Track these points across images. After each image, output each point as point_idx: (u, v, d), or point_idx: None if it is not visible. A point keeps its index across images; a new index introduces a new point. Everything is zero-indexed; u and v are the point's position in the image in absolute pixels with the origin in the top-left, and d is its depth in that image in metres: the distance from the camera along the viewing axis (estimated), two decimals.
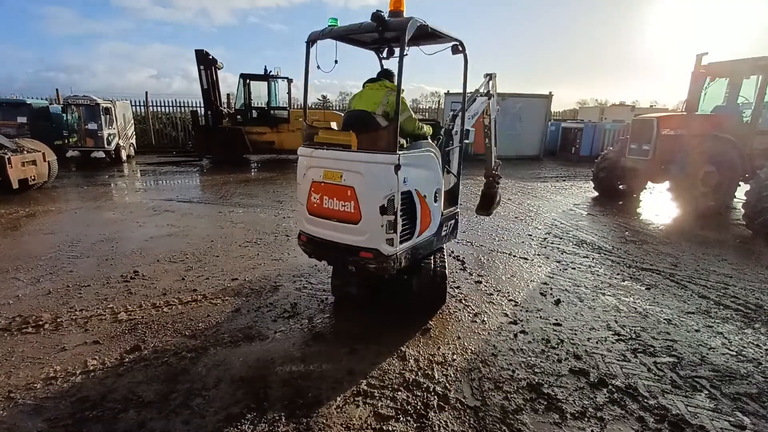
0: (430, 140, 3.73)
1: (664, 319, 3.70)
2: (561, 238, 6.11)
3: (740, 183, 8.11)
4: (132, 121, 15.78)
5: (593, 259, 5.26)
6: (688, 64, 9.45)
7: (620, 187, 9.49)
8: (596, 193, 9.61)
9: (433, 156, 3.60)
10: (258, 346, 3.13)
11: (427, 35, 3.60)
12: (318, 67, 3.80)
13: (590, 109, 26.99)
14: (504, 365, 2.95)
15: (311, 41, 3.55)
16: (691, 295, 4.22)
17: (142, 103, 17.79)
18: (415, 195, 3.35)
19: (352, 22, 3.46)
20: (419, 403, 2.53)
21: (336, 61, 3.83)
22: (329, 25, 3.46)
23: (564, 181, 11.80)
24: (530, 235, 6.23)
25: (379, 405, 2.50)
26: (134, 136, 15.88)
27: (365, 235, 3.23)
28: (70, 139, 12.81)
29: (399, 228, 3.20)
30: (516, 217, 7.30)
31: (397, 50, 4.15)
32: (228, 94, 17.16)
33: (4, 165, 7.59)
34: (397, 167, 3.08)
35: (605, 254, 5.44)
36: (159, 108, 18.39)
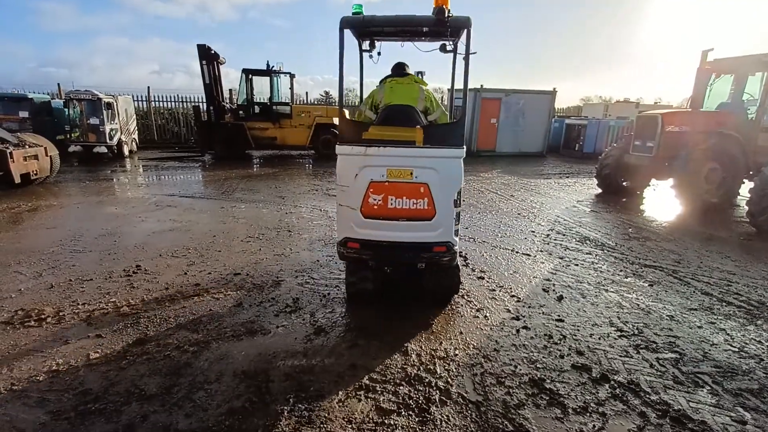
0: None
1: (667, 316, 3.69)
2: (564, 235, 6.09)
3: (744, 180, 8.06)
4: (134, 117, 15.79)
5: (596, 255, 5.24)
6: (693, 61, 9.38)
7: (623, 184, 9.45)
8: (599, 190, 9.58)
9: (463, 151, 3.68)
10: (260, 340, 3.13)
11: (439, 33, 3.64)
12: (370, 56, 4.02)
13: (594, 106, 26.86)
14: (506, 360, 2.95)
15: (345, 26, 3.30)
16: (694, 292, 4.20)
17: (144, 99, 17.79)
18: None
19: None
20: (421, 398, 2.52)
21: (379, 53, 4.00)
22: (354, 12, 3.28)
23: (567, 177, 11.76)
24: (533, 232, 6.22)
25: (381, 399, 2.51)
26: (136, 132, 15.90)
27: (439, 230, 3.32)
28: (72, 134, 12.81)
29: (460, 219, 3.39)
30: (519, 214, 7.28)
31: (417, 44, 4.10)
32: (230, 90, 17.14)
33: (6, 159, 7.59)
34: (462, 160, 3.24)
35: (608, 251, 5.43)
36: (161, 103, 18.38)
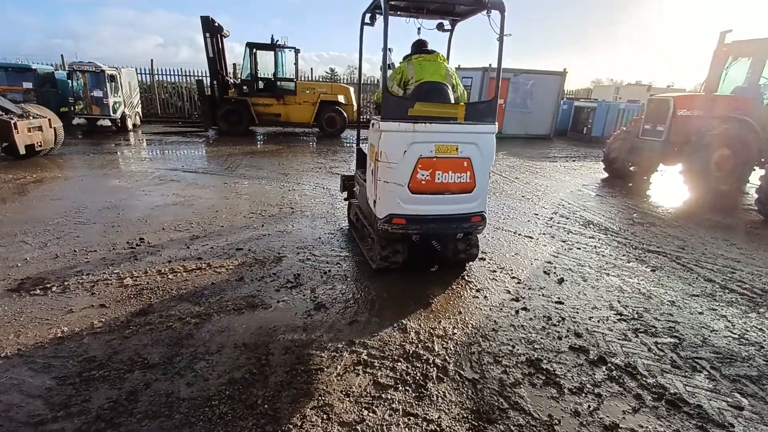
0: None
1: (668, 301, 3.69)
2: (567, 218, 6.05)
3: (755, 167, 7.93)
4: (137, 90, 15.66)
5: (599, 239, 5.21)
6: (709, 46, 9.11)
7: (631, 168, 9.32)
8: (606, 174, 9.47)
9: None
10: (261, 314, 3.16)
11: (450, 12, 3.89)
12: (418, 30, 4.04)
13: (605, 88, 26.36)
14: (504, 340, 2.96)
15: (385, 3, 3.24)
16: (697, 278, 4.19)
17: (147, 72, 17.60)
18: None
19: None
20: (418, 374, 2.55)
21: (419, 29, 4.07)
22: None
23: (574, 161, 11.63)
24: (536, 215, 6.18)
25: (379, 374, 2.54)
26: (140, 105, 15.79)
27: (476, 201, 3.63)
28: (76, 107, 12.74)
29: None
30: (523, 196, 7.23)
31: (423, 23, 4.20)
32: (234, 64, 16.89)
33: (10, 130, 7.57)
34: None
35: (611, 235, 5.39)
36: (165, 77, 18.20)
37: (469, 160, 3.45)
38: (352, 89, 14.73)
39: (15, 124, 7.64)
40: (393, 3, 3.66)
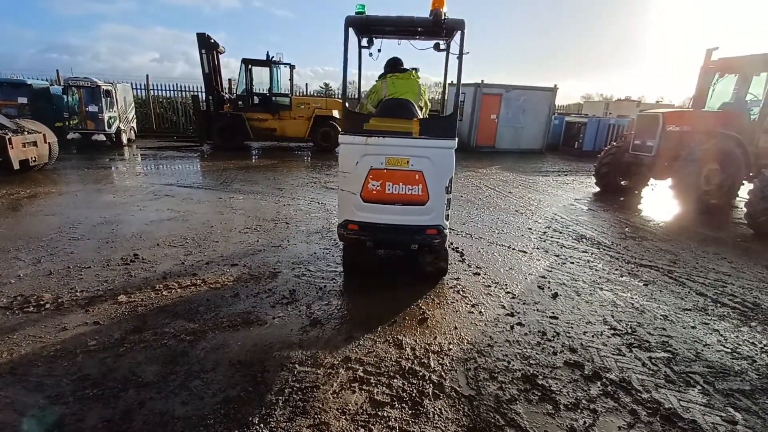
0: None
1: (661, 315, 3.72)
2: (560, 233, 6.11)
3: (744, 182, 8.08)
4: (133, 105, 15.70)
5: (592, 254, 5.27)
6: (697, 61, 9.34)
7: (622, 183, 9.46)
8: (597, 189, 9.59)
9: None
10: (256, 331, 3.15)
11: (434, 33, 3.94)
12: (370, 54, 4.27)
13: (595, 104, 26.78)
14: (500, 356, 2.97)
15: (350, 25, 3.58)
16: (689, 292, 4.24)
17: (143, 87, 17.68)
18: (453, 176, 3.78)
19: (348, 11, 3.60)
20: (414, 391, 2.55)
21: (379, 50, 4.22)
22: (357, 12, 3.55)
23: (566, 175, 11.77)
24: (530, 229, 6.24)
25: (375, 392, 2.53)
26: (135, 120, 15.81)
27: (431, 214, 3.65)
28: (71, 121, 12.75)
29: (450, 205, 3.68)
30: (516, 211, 7.29)
31: (412, 43, 4.41)
32: (229, 79, 17.02)
33: (5, 145, 7.56)
34: (455, 151, 3.52)
35: (604, 249, 5.45)
36: (160, 92, 18.27)
37: (421, 173, 3.52)
38: (348, 104, 14.86)
39: (9, 139, 7.64)
40: (355, 28, 3.88)
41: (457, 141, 3.58)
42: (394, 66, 4.18)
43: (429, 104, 4.12)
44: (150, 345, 2.90)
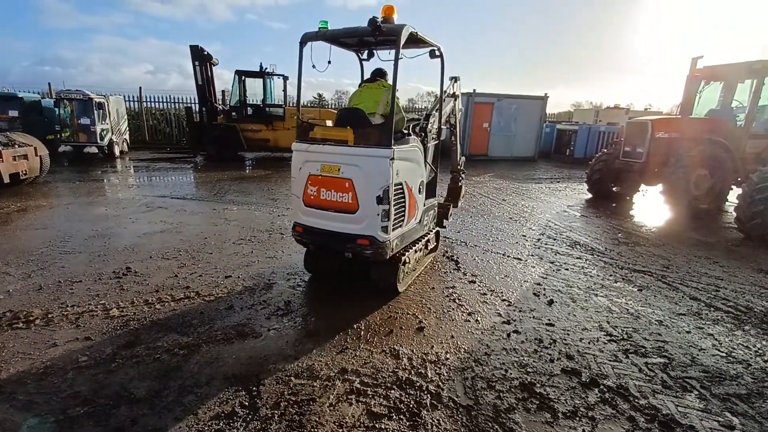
0: (414, 136, 4.03)
1: (656, 321, 3.74)
2: (554, 239, 6.14)
3: (733, 186, 8.19)
4: (125, 117, 15.67)
5: (586, 260, 5.29)
6: (683, 68, 9.53)
7: (614, 189, 9.57)
8: (590, 195, 9.68)
9: (419, 150, 3.95)
10: (251, 343, 3.12)
11: (412, 41, 3.86)
12: (313, 66, 4.07)
13: (585, 112, 27.16)
14: (497, 364, 2.96)
15: (304, 42, 3.79)
16: (683, 297, 4.26)
17: (135, 99, 17.66)
18: (405, 186, 3.70)
19: (348, 24, 3.77)
20: (412, 402, 2.53)
21: (329, 62, 4.06)
22: (320, 27, 3.69)
23: (558, 182, 11.87)
24: (524, 236, 6.26)
25: (372, 403, 2.51)
26: (127, 132, 15.77)
27: (362, 223, 3.52)
28: (63, 134, 12.68)
29: (392, 217, 3.53)
30: (510, 218, 7.33)
31: (377, 53, 4.54)
32: (223, 91, 17.06)
33: None
34: (391, 160, 3.38)
35: (598, 255, 5.48)
36: (153, 104, 18.26)
37: (351, 181, 3.47)
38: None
39: (0, 152, 7.56)
40: (310, 40, 3.83)
41: (393, 150, 3.38)
42: (372, 76, 4.28)
43: (402, 114, 4.01)
44: (143, 360, 2.85)
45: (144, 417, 2.33)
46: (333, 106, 22.98)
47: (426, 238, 4.57)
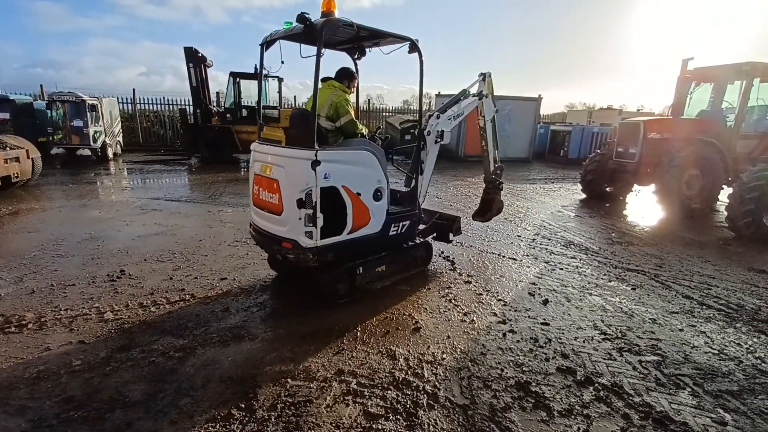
0: (374, 141, 3.93)
1: (649, 319, 3.77)
2: (549, 239, 6.18)
3: (724, 186, 8.28)
4: (119, 119, 15.57)
5: (580, 259, 5.33)
6: (675, 69, 9.63)
7: (607, 189, 9.65)
8: (584, 196, 9.74)
9: (370, 154, 3.65)
10: (247, 345, 3.11)
11: (374, 35, 3.78)
12: (264, 67, 4.01)
13: (578, 113, 27.37)
14: (493, 364, 2.98)
15: (263, 44, 3.76)
16: (676, 296, 4.30)
17: (129, 101, 17.55)
18: (343, 191, 3.44)
19: None
20: (409, 402, 2.54)
21: (282, 62, 3.97)
22: (284, 27, 3.57)
23: (552, 183, 11.94)
24: (519, 236, 6.29)
25: (369, 404, 2.51)
26: (121, 134, 15.66)
27: (286, 226, 3.42)
28: (55, 136, 12.58)
29: (319, 222, 3.30)
30: (505, 219, 7.36)
31: (368, 51, 4.39)
32: (217, 93, 17.02)
33: None
34: (315, 163, 3.19)
35: (592, 255, 5.52)
36: (147, 106, 18.17)
37: (277, 182, 3.40)
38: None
39: None
40: (270, 42, 3.77)
41: (315, 152, 3.18)
42: (335, 75, 3.98)
43: (350, 117, 3.73)
44: (137, 363, 2.84)
45: (139, 420, 2.32)
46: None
47: (400, 250, 4.24)
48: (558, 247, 5.81)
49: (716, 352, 3.27)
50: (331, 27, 3.24)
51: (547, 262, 5.17)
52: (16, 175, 8.19)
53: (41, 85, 16.46)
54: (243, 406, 2.46)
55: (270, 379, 2.70)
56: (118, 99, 16.51)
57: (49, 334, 3.17)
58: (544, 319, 3.67)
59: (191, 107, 13.67)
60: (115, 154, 14.29)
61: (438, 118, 4.39)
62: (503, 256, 5.34)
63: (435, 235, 4.94)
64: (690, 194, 7.98)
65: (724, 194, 7.35)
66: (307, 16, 3.14)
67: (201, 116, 13.18)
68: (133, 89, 17.49)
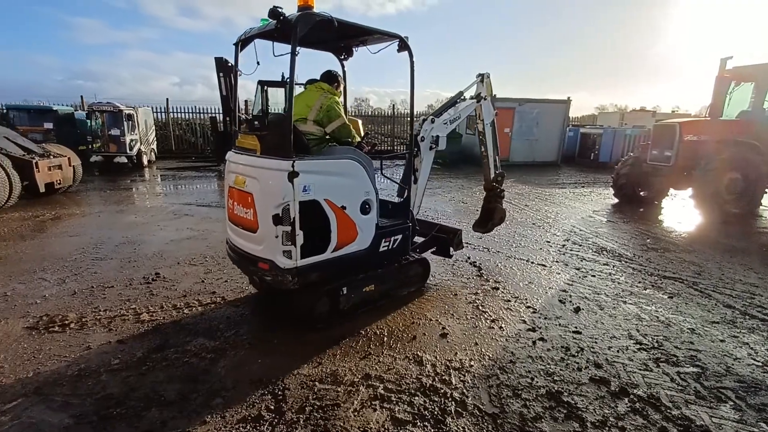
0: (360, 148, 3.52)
1: (688, 329, 3.61)
2: (580, 245, 6.02)
3: (767, 190, 7.88)
4: (153, 127, 16.20)
5: (613, 266, 5.16)
6: (712, 69, 9.26)
7: (641, 193, 9.33)
8: (616, 200, 9.46)
9: (355, 163, 3.29)
10: (275, 348, 3.15)
11: (360, 32, 3.48)
12: (238, 70, 3.70)
13: (610, 115, 26.62)
14: (522, 372, 2.91)
15: (237, 44, 3.46)
16: (716, 305, 4.11)
17: (163, 110, 18.23)
18: (326, 205, 3.11)
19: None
20: (436, 409, 2.51)
21: (258, 63, 3.56)
22: (261, 25, 3.25)
23: (583, 187, 11.64)
24: (548, 242, 6.16)
25: (396, 409, 2.50)
26: (155, 142, 16.29)
27: (262, 244, 3.08)
28: (94, 145, 13.20)
29: (298, 240, 2.97)
30: (533, 224, 7.22)
31: (355, 50, 4.10)
32: (246, 101, 17.45)
33: (32, 169, 7.86)
34: (293, 174, 2.85)
35: (626, 262, 5.34)
36: (179, 114, 18.81)
37: (252, 196, 3.05)
38: (360, 121, 15.08)
39: (36, 163, 7.93)
40: (244, 42, 3.43)
41: (292, 162, 2.86)
42: (321, 77, 3.69)
43: (342, 121, 3.45)
44: (172, 363, 2.93)
45: (173, 419, 2.39)
46: (353, 114, 23.17)
47: (391, 268, 3.86)
48: (589, 254, 5.65)
49: (760, 364, 3.10)
50: (306, 22, 2.84)
51: (578, 269, 5.03)
52: (58, 181, 8.65)
53: (81, 96, 17.35)
54: (272, 407, 2.50)
55: (298, 382, 2.74)
56: (152, 108, 17.17)
57: (89, 333, 3.32)
58: (576, 328, 3.57)
59: (221, 115, 14.08)
60: (149, 161, 14.86)
61: (432, 122, 4.10)
62: (532, 262, 5.23)
63: (435, 249, 4.64)
64: (730, 198, 7.63)
65: (767, 199, 6.99)
66: (280, 10, 2.84)
67: (230, 124, 13.55)
68: (167, 99, 18.16)
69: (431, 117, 4.16)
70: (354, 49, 4.12)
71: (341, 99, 3.86)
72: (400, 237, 3.77)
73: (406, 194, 3.98)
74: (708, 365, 3.07)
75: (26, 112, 13.46)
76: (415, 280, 4.19)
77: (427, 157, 4.08)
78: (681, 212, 8.50)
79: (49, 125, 13.19)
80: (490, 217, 5.07)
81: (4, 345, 3.12)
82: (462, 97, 4.50)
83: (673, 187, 8.74)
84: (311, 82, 3.61)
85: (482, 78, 4.54)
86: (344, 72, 4.19)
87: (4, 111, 14.61)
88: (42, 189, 8.13)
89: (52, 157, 8.61)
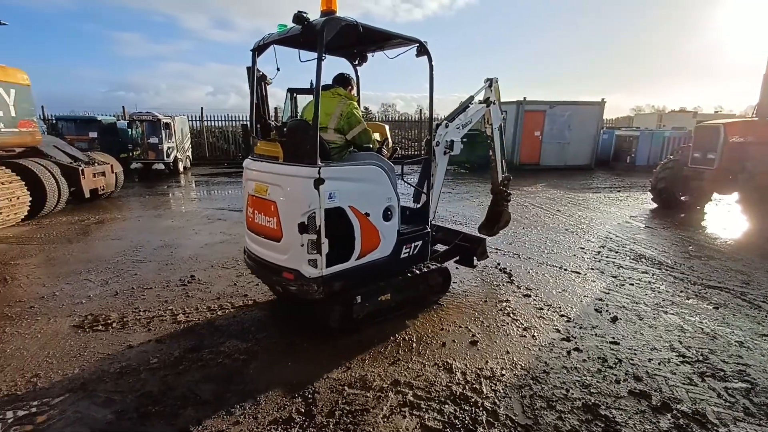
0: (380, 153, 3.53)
1: (736, 342, 3.41)
2: (616, 252, 5.80)
3: None
4: (188, 135, 16.81)
5: (653, 274, 4.95)
6: (759, 66, 8.78)
7: (682, 198, 8.91)
8: (655, 205, 9.07)
9: (379, 169, 3.26)
10: (305, 351, 3.19)
11: (381, 37, 3.42)
12: (261, 74, 3.81)
13: (647, 116, 25.68)
14: (557, 383, 2.83)
15: (254, 50, 3.48)
16: (766, 317, 3.86)
17: (197, 118, 18.91)
18: (351, 212, 3.08)
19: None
20: (467, 418, 2.47)
21: (278, 69, 3.65)
22: (278, 30, 3.27)
23: (618, 191, 11.24)
24: (582, 249, 5.97)
25: (426, 417, 2.47)
26: (190, 149, 16.89)
27: (287, 254, 3.03)
28: (134, 152, 13.84)
29: (324, 248, 2.95)
30: (566, 230, 7.02)
31: (370, 56, 4.09)
32: (275, 108, 17.85)
33: (78, 176, 8.31)
34: (318, 181, 2.83)
35: (666, 270, 5.11)
36: (213, 122, 19.46)
37: (276, 204, 3.01)
38: (387, 127, 15.13)
39: (82, 170, 8.39)
40: (261, 49, 3.53)
41: (320, 169, 2.84)
42: (332, 82, 3.67)
43: (363, 127, 3.42)
44: (207, 363, 3.01)
45: (208, 419, 2.45)
46: (379, 119, 23.30)
47: (407, 276, 3.68)
48: (627, 261, 5.43)
49: None
50: (332, 27, 2.82)
51: (614, 277, 4.85)
52: (102, 187, 9.11)
53: (123, 107, 18.26)
54: (303, 410, 2.52)
55: (327, 386, 2.75)
56: (188, 117, 17.85)
57: (130, 333, 3.46)
58: (613, 338, 3.44)
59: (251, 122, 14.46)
60: (185, 168, 15.42)
61: (447, 127, 4.04)
62: (565, 269, 5.08)
63: (458, 258, 4.52)
64: None
65: None
66: (305, 15, 2.80)
67: (261, 131, 13.88)
68: (201, 108, 18.88)
69: (444, 122, 4.12)
70: (370, 54, 4.15)
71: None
72: (420, 243, 3.74)
73: (423, 199, 3.95)
74: (758, 380, 2.88)
75: (73, 122, 14.30)
76: (435, 289, 4.05)
77: (441, 162, 4.02)
78: (726, 218, 8.07)
79: (93, 134, 13.94)
80: (496, 220, 5.08)
81: (53, 342, 3.29)
82: (472, 102, 4.48)
83: (717, 191, 8.30)
84: (325, 87, 3.52)
85: (490, 83, 4.54)
86: (357, 77, 4.18)
87: (54, 122, 15.59)
88: (87, 195, 8.59)
89: (96, 164, 9.08)
